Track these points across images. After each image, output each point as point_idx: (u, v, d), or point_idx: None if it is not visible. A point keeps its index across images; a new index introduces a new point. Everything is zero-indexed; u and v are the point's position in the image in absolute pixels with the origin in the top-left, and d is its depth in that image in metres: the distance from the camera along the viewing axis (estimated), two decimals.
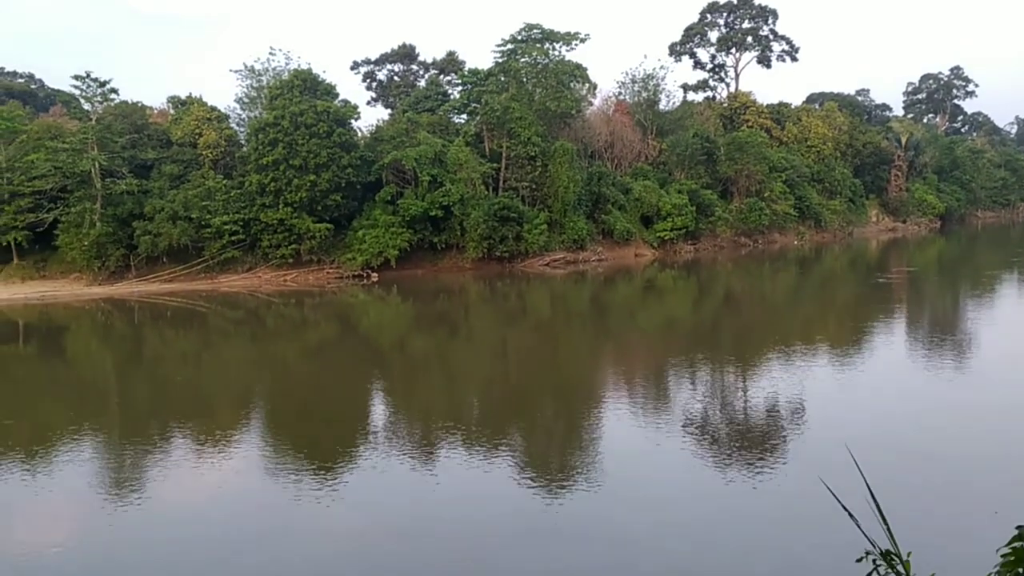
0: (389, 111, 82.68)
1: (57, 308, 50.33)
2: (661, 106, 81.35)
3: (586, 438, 17.55)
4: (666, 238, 69.92)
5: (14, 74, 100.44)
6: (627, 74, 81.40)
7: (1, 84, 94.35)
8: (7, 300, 53.45)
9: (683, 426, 17.61)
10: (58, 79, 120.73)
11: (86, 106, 64.45)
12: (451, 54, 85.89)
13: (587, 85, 74.42)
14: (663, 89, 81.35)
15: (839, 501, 4.02)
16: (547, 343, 33.10)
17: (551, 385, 23.96)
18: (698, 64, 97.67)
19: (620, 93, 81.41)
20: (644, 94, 79.98)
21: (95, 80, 60.77)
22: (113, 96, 62.83)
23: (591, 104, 77.50)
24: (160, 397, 24.95)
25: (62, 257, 60.04)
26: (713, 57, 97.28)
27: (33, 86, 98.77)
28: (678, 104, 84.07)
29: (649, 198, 69.56)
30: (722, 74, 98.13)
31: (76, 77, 61.26)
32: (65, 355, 35.22)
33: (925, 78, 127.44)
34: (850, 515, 3.89)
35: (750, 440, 16.64)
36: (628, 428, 17.80)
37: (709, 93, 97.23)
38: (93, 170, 57.97)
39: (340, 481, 14.81)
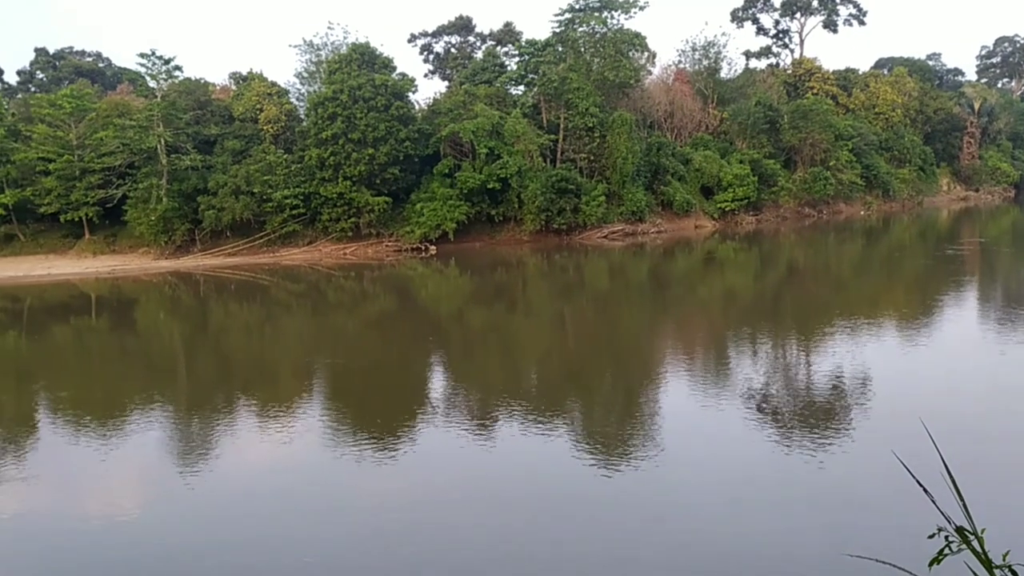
0: (446, 83, 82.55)
1: (126, 282, 51.76)
2: (722, 74, 79.67)
3: (645, 411, 17.35)
4: (727, 209, 68.69)
5: (83, 53, 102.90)
6: (687, 42, 79.88)
7: (71, 63, 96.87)
8: (80, 274, 55.18)
9: (745, 400, 17.28)
10: (125, 57, 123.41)
11: (151, 83, 65.72)
12: (508, 25, 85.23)
13: (646, 54, 73.18)
14: (724, 57, 79.61)
15: (911, 474, 3.81)
16: (605, 315, 32.84)
17: (609, 358, 23.77)
18: (761, 30, 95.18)
19: (680, 62, 79.96)
20: (705, 62, 78.38)
21: (160, 58, 61.92)
22: (177, 73, 63.97)
23: (650, 73, 76.26)
24: (225, 368, 25.48)
25: (131, 232, 61.66)
26: (777, 23, 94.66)
27: (101, 64, 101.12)
28: (740, 72, 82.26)
29: (710, 168, 68.35)
30: (786, 40, 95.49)
31: (142, 55, 62.50)
32: (135, 327, 36.20)
33: (1000, 41, 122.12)
34: (923, 488, 3.68)
35: (814, 415, 16.26)
36: (688, 401, 17.55)
37: (772, 60, 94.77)
38: (159, 146, 59.23)
39: (400, 451, 14.92)
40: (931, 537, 3.57)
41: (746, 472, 13.37)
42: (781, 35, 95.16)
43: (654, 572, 10.26)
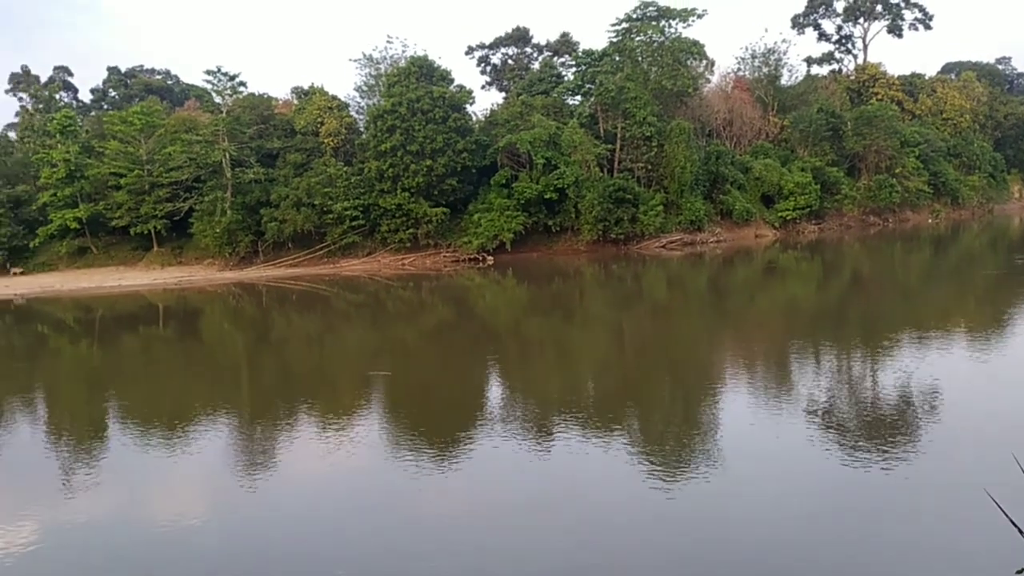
0: (503, 95, 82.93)
1: (192, 292, 53.06)
2: (783, 81, 78.53)
3: (704, 424, 17.09)
4: (788, 218, 67.57)
5: (152, 71, 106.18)
6: (747, 49, 79.05)
7: (141, 81, 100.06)
8: (148, 285, 56.78)
9: (807, 413, 16.92)
10: (192, 74, 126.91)
11: (217, 99, 67.49)
12: (565, 35, 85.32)
13: (704, 62, 72.58)
14: (785, 63, 78.55)
15: (1004, 512, 3.65)
16: (664, 326, 32.53)
17: (668, 369, 23.52)
18: (823, 36, 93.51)
19: (739, 69, 79.07)
20: (765, 69, 77.36)
21: (225, 74, 63.58)
22: (242, 89, 65.61)
23: (709, 81, 75.59)
24: (287, 377, 25.91)
25: (196, 244, 63.32)
26: (839, 28, 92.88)
27: (169, 82, 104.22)
28: (801, 78, 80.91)
29: (770, 177, 67.33)
30: (849, 45, 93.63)
31: (208, 72, 64.26)
32: (200, 337, 37.07)
33: None
34: (1017, 528, 3.53)
35: (880, 430, 15.82)
36: (748, 414, 17.24)
37: (835, 66, 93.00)
38: (224, 160, 60.74)
39: (458, 462, 14.96)
40: (1020, 573, 3.43)
41: (807, 487, 13.07)
42: (844, 41, 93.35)
43: None
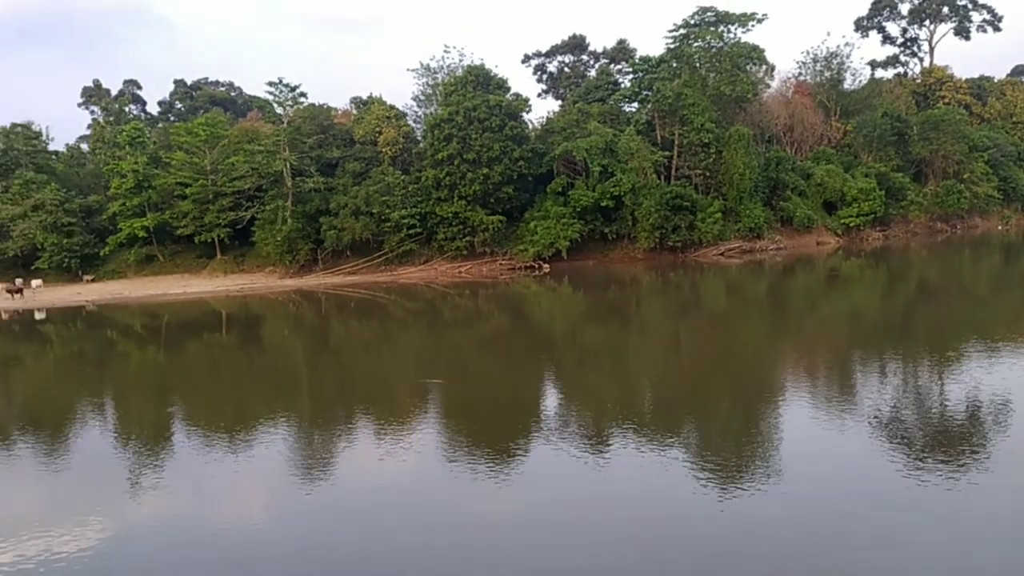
0: (559, 102, 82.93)
1: (254, 299, 54.12)
2: (846, 85, 77.05)
3: (763, 434, 16.78)
4: (851, 225, 66.17)
5: (216, 83, 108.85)
6: (808, 53, 77.40)
7: (206, 93, 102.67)
8: (212, 292, 58.11)
9: (871, 425, 16.48)
10: (255, 86, 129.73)
11: (278, 110, 68.85)
12: (621, 42, 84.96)
13: (764, 67, 71.64)
14: (848, 67, 77.07)
15: None
16: (722, 334, 32.09)
17: (726, 378, 23.17)
18: (887, 39, 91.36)
19: (800, 73, 77.85)
20: (827, 73, 76.00)
21: (287, 86, 64.81)
22: (302, 100, 66.81)
23: (768, 87, 74.60)
24: (345, 383, 26.23)
25: (258, 252, 64.66)
26: (904, 31, 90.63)
27: (233, 93, 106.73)
28: (865, 82, 79.19)
29: (832, 183, 66.04)
30: (914, 48, 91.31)
31: (270, 83, 65.57)
32: (261, 343, 37.77)
33: None
34: None
35: (946, 444, 15.33)
36: (809, 425, 16.87)
37: (900, 69, 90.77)
38: (285, 170, 61.91)
39: (514, 469, 14.94)
40: None
41: (871, 501, 12.72)
42: (909, 43, 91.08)
43: None
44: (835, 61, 75.87)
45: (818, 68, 76.40)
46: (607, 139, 60.34)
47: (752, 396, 20.33)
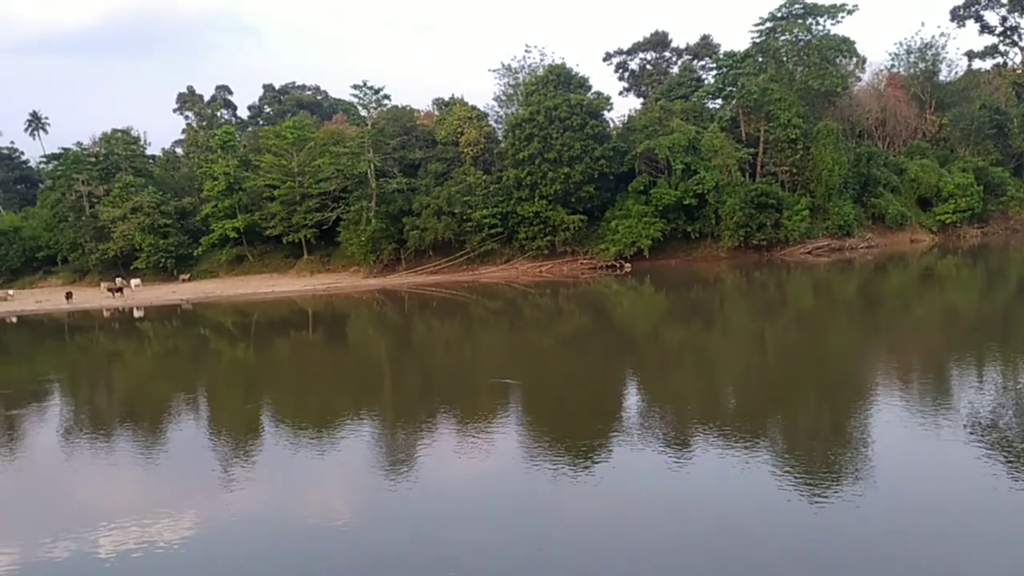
0: (641, 100, 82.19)
1: (339, 298, 55.27)
2: (941, 77, 74.21)
3: (854, 438, 16.21)
4: (947, 222, 63.65)
5: (303, 87, 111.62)
6: (901, 44, 74.77)
7: (293, 97, 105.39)
8: (299, 291, 59.62)
9: (968, 431, 15.75)
10: (340, 89, 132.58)
11: (363, 112, 70.21)
12: (705, 38, 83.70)
13: (854, 60, 69.55)
14: (943, 58, 74.26)
15: None
16: (809, 335, 31.22)
17: (814, 379, 22.51)
18: (985, 28, 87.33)
19: (893, 65, 75.25)
20: (921, 65, 73.28)
21: (371, 88, 66.02)
22: (386, 102, 67.97)
23: (859, 80, 72.39)
24: (428, 381, 26.52)
25: (343, 252, 66.07)
26: (1004, 19, 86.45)
27: (319, 97, 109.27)
28: (961, 74, 76.12)
29: (927, 178, 63.63)
30: (1014, 38, 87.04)
31: (354, 86, 66.96)
32: (346, 342, 38.52)
33: None
34: None
35: None
36: (902, 429, 16.23)
37: (998, 59, 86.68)
38: (369, 171, 63.04)
39: (594, 468, 14.83)
40: None
41: (967, 509, 12.15)
42: (1009, 32, 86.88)
43: None
44: (930, 52, 73.13)
45: (912, 60, 73.76)
46: (690, 136, 59.48)
47: (841, 398, 19.70)
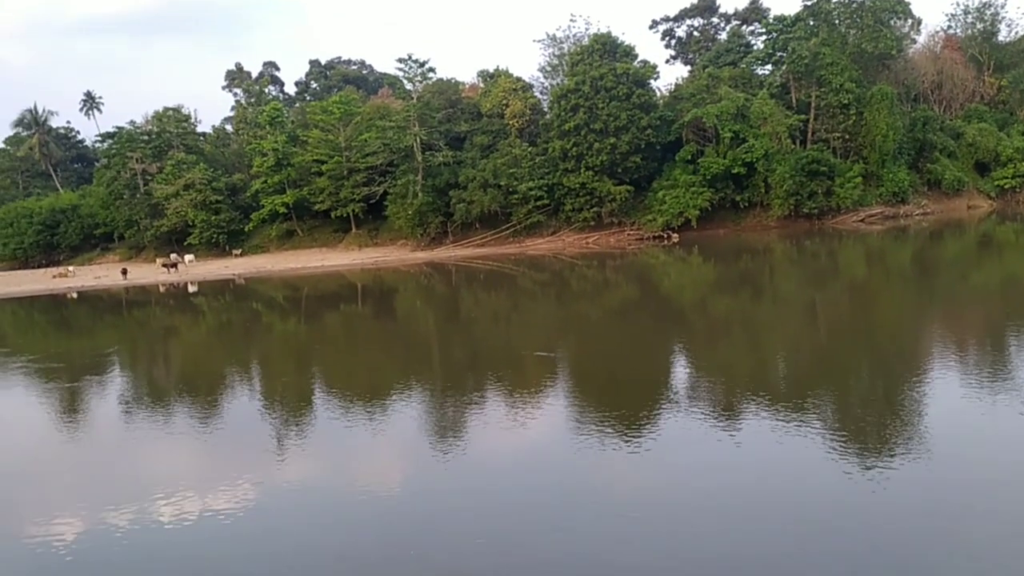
0: (688, 68, 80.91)
1: (387, 272, 55.79)
2: (1000, 37, 71.70)
3: (908, 409, 15.98)
4: (1006, 187, 61.89)
5: (349, 62, 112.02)
6: (958, 4, 72.35)
7: (339, 72, 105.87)
8: (347, 265, 60.31)
9: None
10: (385, 63, 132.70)
11: (408, 86, 70.36)
12: (754, 2, 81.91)
13: (909, 21, 67.46)
14: (1003, 18, 71.79)
15: None
16: (862, 305, 30.70)
17: (867, 350, 22.15)
18: None
19: (950, 26, 72.97)
20: (979, 25, 70.90)
21: (416, 61, 66.06)
22: (431, 75, 67.98)
23: (914, 42, 70.31)
24: (475, 353, 26.72)
25: (390, 226, 66.61)
26: None
27: (364, 71, 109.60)
28: (1021, 34, 73.38)
29: (985, 142, 61.79)
30: None
31: (399, 60, 67.08)
32: (395, 315, 38.93)
33: None
34: None
35: None
36: (959, 400, 15.94)
37: None
38: (415, 145, 63.26)
39: (643, 442, 14.85)
40: None
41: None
42: None
43: None
44: (988, 12, 70.70)
45: (969, 20, 71.41)
46: (739, 104, 58.48)
47: (895, 368, 19.40)
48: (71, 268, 71.65)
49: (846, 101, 58.57)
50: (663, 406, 17.15)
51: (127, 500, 13.25)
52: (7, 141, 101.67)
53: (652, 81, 64.64)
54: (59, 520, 12.82)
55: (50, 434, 19.13)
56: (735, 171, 58.46)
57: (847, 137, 59.44)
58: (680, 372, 21.64)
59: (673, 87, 68.97)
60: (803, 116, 59.96)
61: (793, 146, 59.24)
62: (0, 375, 27.43)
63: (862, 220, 58.45)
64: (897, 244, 49.41)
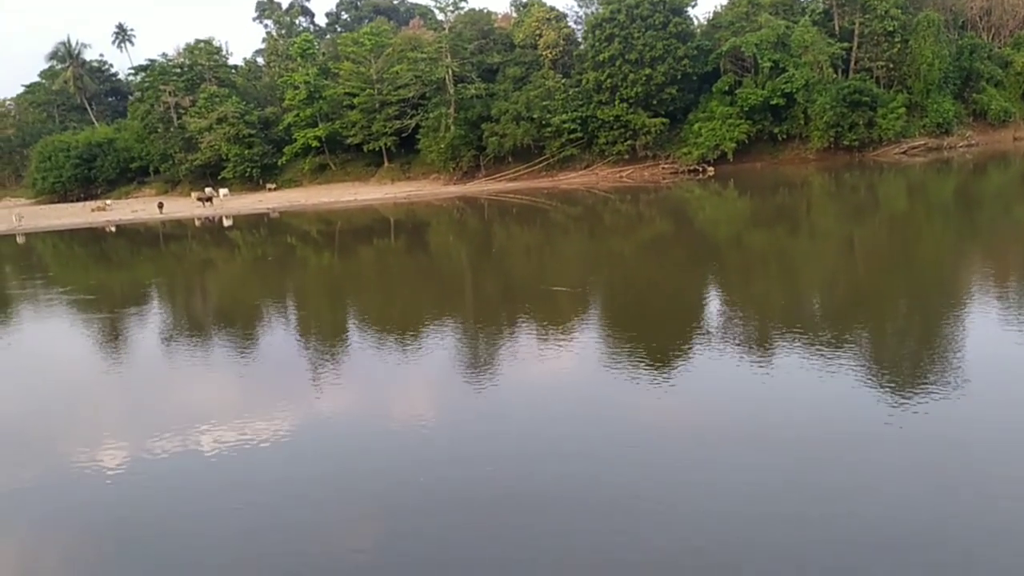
0: None
1: (420, 206, 55.78)
2: None
3: (944, 345, 15.77)
4: None
5: None
6: None
7: (370, 3, 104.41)
8: (380, 199, 60.36)
9: None
10: None
11: (440, 16, 69.23)
12: None
13: None
14: None
15: None
16: (901, 239, 30.17)
17: (904, 285, 21.81)
18: None
19: None
20: None
21: None
22: (463, 5, 66.81)
23: None
24: (507, 287, 26.79)
25: (423, 160, 66.31)
26: None
27: (395, 2, 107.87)
28: None
29: None
30: None
31: None
32: (427, 249, 39.05)
33: None
34: None
35: None
36: (998, 336, 15.69)
37: None
38: (447, 77, 62.50)
39: (674, 376, 14.86)
40: None
41: None
42: None
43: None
44: None
45: None
46: (779, 32, 56.81)
47: (933, 306, 19.11)
48: (109, 202, 72.49)
49: (891, 28, 56.63)
50: (697, 341, 17.10)
51: (169, 429, 13.59)
52: (42, 75, 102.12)
53: (689, 9, 62.86)
54: (105, 448, 13.22)
55: (94, 364, 19.63)
56: (774, 102, 57.14)
57: (891, 66, 57.66)
58: (712, 306, 21.52)
59: (711, 15, 67.10)
60: (846, 44, 58.15)
61: (835, 76, 57.63)
62: (45, 307, 28.08)
63: (904, 152, 57.07)
64: (939, 177, 48.24)
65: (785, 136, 59.28)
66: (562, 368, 16.13)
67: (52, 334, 23.80)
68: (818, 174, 53.05)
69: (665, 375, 14.82)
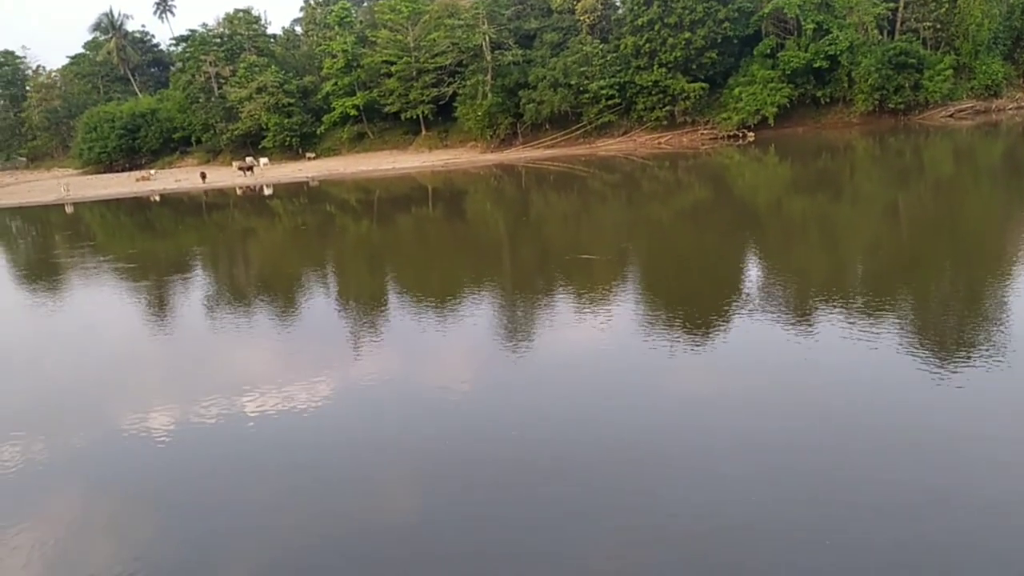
0: None
1: (457, 174, 55.85)
2: None
3: (990, 314, 15.56)
4: None
5: None
6: None
7: None
8: (418, 167, 60.55)
9: None
10: None
11: None
12: None
13: None
14: None
15: None
16: (947, 205, 29.62)
17: (950, 252, 21.47)
18: None
19: None
20: None
21: None
22: None
23: None
24: (545, 254, 26.87)
25: (460, 127, 66.25)
26: None
27: None
28: None
29: None
30: None
31: None
32: (465, 217, 39.19)
33: None
34: None
35: None
36: None
37: None
38: (484, 43, 62.20)
39: (712, 344, 14.89)
40: None
41: None
42: None
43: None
44: None
45: None
46: None
47: (980, 273, 18.82)
48: (152, 171, 73.68)
49: None
50: (736, 309, 17.07)
51: (214, 393, 14.00)
52: (86, 46, 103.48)
53: None
54: (153, 411, 13.67)
55: (142, 331, 20.18)
56: (817, 65, 56.03)
57: (938, 27, 56.11)
58: (752, 273, 21.41)
59: None
60: (892, 4, 56.67)
61: (880, 37, 56.28)
62: (94, 274, 28.80)
63: (951, 115, 55.72)
64: (987, 141, 47.07)
65: (828, 100, 58.18)
66: (599, 336, 16.20)
67: (100, 301, 24.45)
68: (862, 138, 52.06)
69: (705, 344, 14.86)
